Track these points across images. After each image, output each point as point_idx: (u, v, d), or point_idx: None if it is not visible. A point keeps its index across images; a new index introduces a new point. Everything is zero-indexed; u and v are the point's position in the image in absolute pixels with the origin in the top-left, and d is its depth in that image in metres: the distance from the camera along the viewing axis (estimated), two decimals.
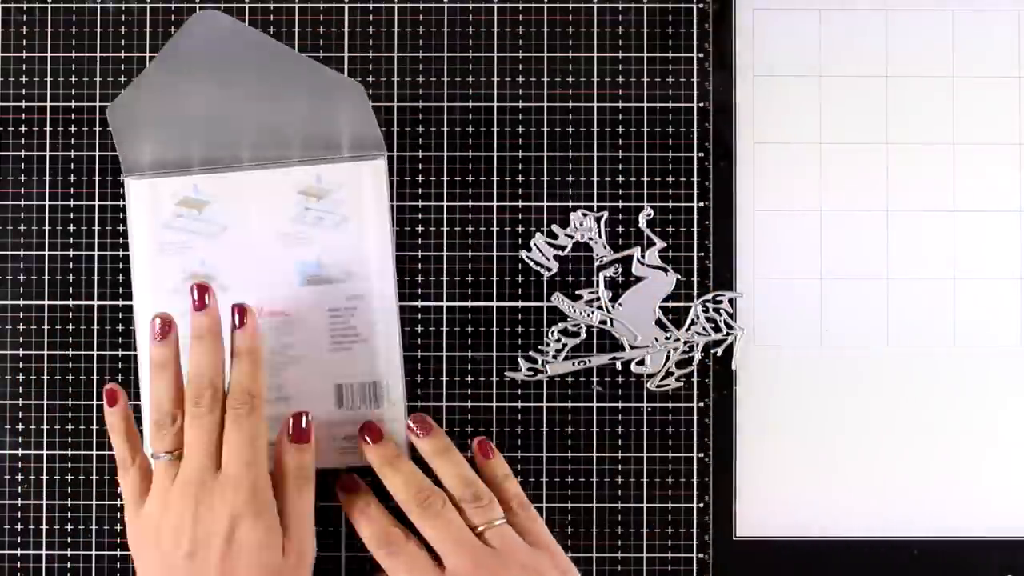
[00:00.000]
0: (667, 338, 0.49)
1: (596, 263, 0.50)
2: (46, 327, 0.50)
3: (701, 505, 0.50)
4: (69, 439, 0.50)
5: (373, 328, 0.49)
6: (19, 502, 0.50)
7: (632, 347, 0.49)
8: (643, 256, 0.50)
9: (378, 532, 0.45)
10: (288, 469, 0.45)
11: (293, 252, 0.48)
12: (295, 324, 0.48)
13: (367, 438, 0.47)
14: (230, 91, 0.47)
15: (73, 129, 0.50)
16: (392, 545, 0.45)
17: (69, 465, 0.50)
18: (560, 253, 0.50)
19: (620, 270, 0.50)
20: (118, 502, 0.49)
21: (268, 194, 0.49)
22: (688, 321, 0.50)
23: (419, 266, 0.50)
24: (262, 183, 0.49)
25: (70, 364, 0.50)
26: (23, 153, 0.50)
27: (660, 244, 0.50)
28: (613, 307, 0.49)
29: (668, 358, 0.49)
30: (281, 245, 0.48)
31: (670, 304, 0.50)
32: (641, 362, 0.49)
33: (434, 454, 0.47)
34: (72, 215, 0.50)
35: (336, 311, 0.48)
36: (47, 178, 0.50)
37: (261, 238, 0.48)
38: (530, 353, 0.50)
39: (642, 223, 0.49)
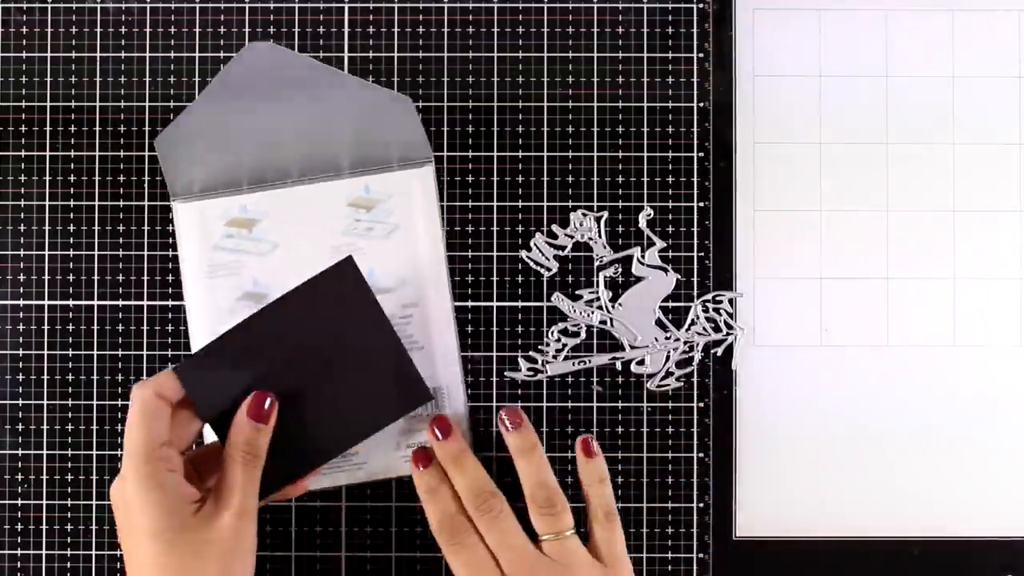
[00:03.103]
0: (667, 338, 0.49)
1: (596, 263, 0.50)
2: (46, 327, 0.50)
3: (701, 505, 0.50)
4: (69, 439, 0.50)
5: (430, 335, 0.49)
6: (19, 502, 0.50)
7: (632, 347, 0.49)
8: (643, 256, 0.50)
9: (445, 520, 0.45)
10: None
11: None
12: None
13: (437, 432, 0.47)
14: (279, 114, 0.47)
15: (73, 129, 0.50)
16: (456, 536, 0.45)
17: (69, 465, 0.50)
18: (560, 253, 0.50)
19: (620, 270, 0.50)
20: None
21: (317, 208, 0.48)
22: (688, 321, 0.50)
23: None
24: (311, 198, 0.49)
25: (70, 364, 0.50)
26: (23, 153, 0.50)
27: (660, 244, 0.50)
28: (613, 307, 0.49)
29: (668, 358, 0.49)
30: (333, 258, 0.48)
31: (670, 304, 0.50)
32: (641, 362, 0.49)
33: (518, 452, 0.47)
34: (72, 215, 0.50)
35: (392, 320, 0.48)
36: (47, 178, 0.50)
37: (313, 253, 0.48)
38: (530, 353, 0.50)
39: (642, 223, 0.49)
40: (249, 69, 0.46)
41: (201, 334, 0.48)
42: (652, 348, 0.49)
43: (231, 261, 0.48)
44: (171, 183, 0.48)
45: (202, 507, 0.41)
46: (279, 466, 0.45)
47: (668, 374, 0.49)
